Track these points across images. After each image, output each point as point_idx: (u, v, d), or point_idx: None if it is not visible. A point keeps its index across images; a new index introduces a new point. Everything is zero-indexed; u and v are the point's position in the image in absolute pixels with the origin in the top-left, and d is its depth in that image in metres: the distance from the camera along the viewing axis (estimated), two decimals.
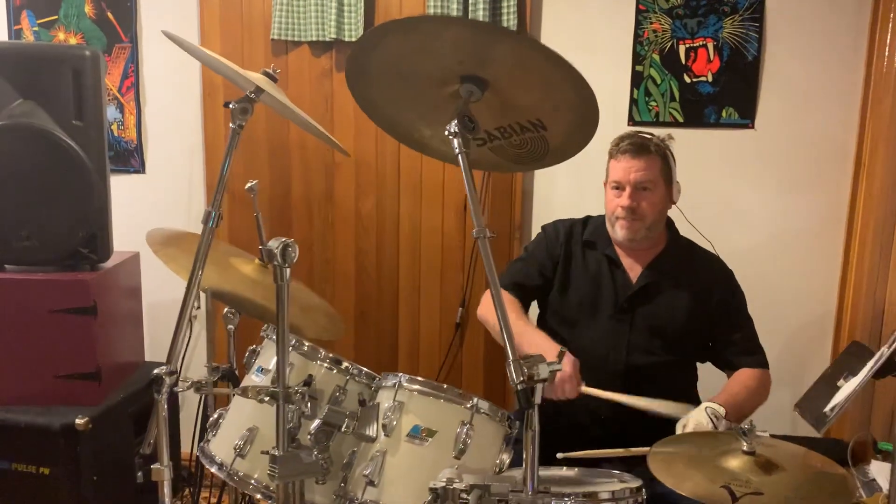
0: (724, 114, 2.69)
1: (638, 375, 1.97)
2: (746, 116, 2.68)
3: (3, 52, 2.42)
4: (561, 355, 1.26)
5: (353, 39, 2.75)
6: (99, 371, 2.45)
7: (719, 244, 2.25)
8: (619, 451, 1.78)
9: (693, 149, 2.68)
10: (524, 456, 1.22)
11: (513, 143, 1.49)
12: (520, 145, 1.49)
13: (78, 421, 2.34)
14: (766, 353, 2.07)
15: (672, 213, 2.12)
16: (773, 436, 2.29)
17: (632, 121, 2.74)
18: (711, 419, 1.75)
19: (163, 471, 1.67)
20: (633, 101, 2.73)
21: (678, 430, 1.75)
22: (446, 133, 1.30)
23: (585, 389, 1.83)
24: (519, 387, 1.17)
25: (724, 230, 2.61)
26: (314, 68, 2.86)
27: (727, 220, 2.70)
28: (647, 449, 1.69)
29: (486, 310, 2.13)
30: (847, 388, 1.55)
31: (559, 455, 1.74)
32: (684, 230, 2.18)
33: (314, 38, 2.78)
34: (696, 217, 2.23)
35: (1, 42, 2.89)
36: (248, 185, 1.97)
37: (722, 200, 2.72)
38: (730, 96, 2.68)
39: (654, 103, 2.72)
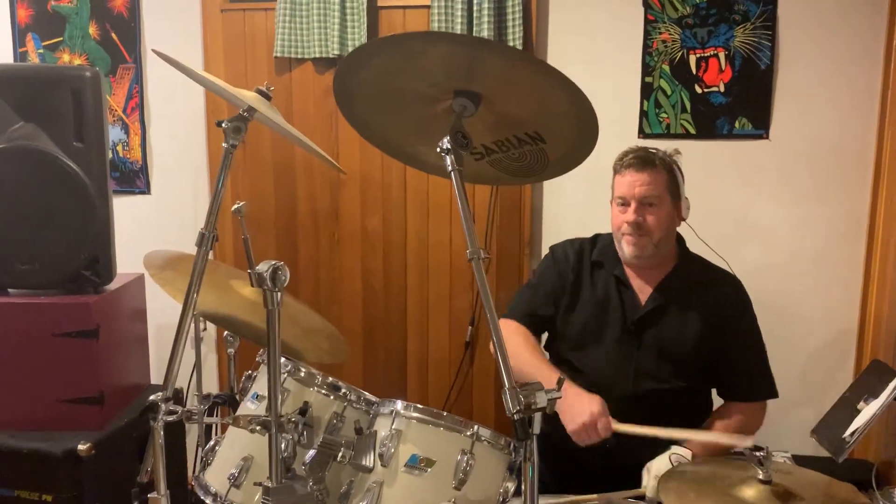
0: (737, 124, 2.63)
1: (647, 402, 1.90)
2: (760, 126, 2.61)
3: (3, 75, 2.41)
4: (560, 382, 1.20)
5: None
6: (102, 395, 2.41)
7: (733, 260, 2.18)
8: (612, 495, 1.72)
9: (705, 161, 2.62)
10: (522, 487, 1.15)
11: (511, 156, 1.44)
12: (519, 158, 1.44)
13: (80, 447, 2.30)
14: (783, 371, 1.99)
15: (683, 229, 2.06)
16: (794, 456, 2.21)
17: (642, 133, 2.68)
18: (672, 462, 1.71)
19: (160, 500, 1.62)
20: (644, 114, 2.67)
21: (644, 476, 1.71)
22: (438, 150, 1.25)
23: (617, 427, 1.76)
24: (515, 416, 1.11)
25: (739, 245, 2.55)
26: (318, 85, 2.83)
27: (742, 235, 2.63)
28: (640, 491, 1.66)
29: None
30: (868, 411, 1.47)
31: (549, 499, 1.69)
32: (696, 248, 2.11)
33: (317, 55, 2.76)
34: (710, 232, 2.16)
35: (1, 64, 2.89)
36: (235, 206, 1.91)
37: (736, 214, 2.64)
38: (743, 106, 2.61)
39: (664, 115, 2.66)
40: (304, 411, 1.47)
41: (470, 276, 2.85)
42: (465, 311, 2.88)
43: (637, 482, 1.76)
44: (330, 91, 2.82)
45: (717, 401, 2.05)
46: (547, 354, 2.06)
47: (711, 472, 1.49)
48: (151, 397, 1.58)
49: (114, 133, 2.98)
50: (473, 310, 2.86)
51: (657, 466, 1.72)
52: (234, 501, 1.55)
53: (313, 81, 2.83)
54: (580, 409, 1.76)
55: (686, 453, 1.74)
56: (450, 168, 1.26)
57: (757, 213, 2.65)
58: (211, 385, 2.98)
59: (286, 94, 2.81)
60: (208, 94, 2.89)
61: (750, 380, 1.95)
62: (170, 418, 1.47)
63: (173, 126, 2.98)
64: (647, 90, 2.67)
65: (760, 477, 1.35)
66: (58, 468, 2.31)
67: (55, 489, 2.32)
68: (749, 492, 1.34)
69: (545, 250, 2.20)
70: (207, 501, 1.59)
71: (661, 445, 1.77)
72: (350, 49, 2.72)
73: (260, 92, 1.69)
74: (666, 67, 2.64)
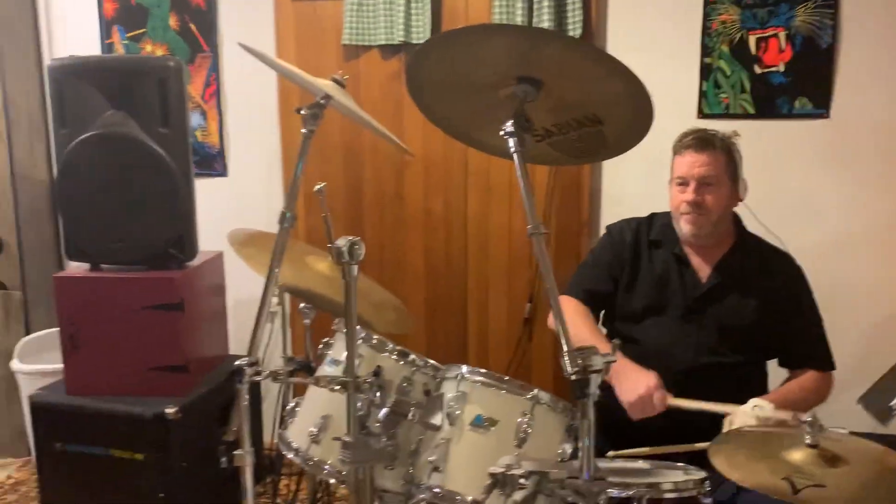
0: (797, 104, 2.64)
1: (705, 376, 1.96)
2: (821, 106, 2.62)
3: (95, 66, 2.59)
4: (616, 347, 1.29)
5: (421, 41, 2.82)
6: (187, 364, 2.60)
7: (791, 240, 2.20)
8: (671, 448, 1.76)
9: (764, 141, 2.64)
10: (580, 445, 1.25)
11: (570, 138, 1.52)
12: (578, 140, 1.52)
13: (168, 410, 2.49)
14: (839, 351, 2.02)
15: (741, 210, 2.10)
16: (852, 433, 2.24)
17: (701, 114, 2.71)
18: (757, 419, 1.72)
19: (245, 456, 1.77)
20: (703, 94, 2.71)
21: (724, 429, 1.73)
22: (501, 133, 1.35)
23: (672, 401, 1.82)
24: (573, 377, 1.21)
25: (796, 225, 2.56)
26: (384, 71, 2.95)
27: (799, 215, 2.65)
28: (702, 445, 1.68)
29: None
30: None
31: (610, 453, 1.76)
32: (753, 228, 2.15)
33: (383, 42, 2.87)
34: (767, 213, 2.19)
35: (93, 56, 3.08)
36: (317, 187, 2.06)
37: (794, 195, 2.66)
38: (803, 86, 2.62)
39: (723, 95, 2.69)
40: (377, 374, 1.60)
41: (528, 256, 2.94)
42: (523, 290, 2.97)
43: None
44: (395, 77, 2.93)
45: (773, 376, 2.09)
46: (604, 330, 2.14)
47: (761, 436, 1.56)
48: (237, 362, 1.72)
49: (193, 119, 3.15)
50: (532, 287, 2.95)
51: (740, 419, 1.73)
52: (314, 456, 1.69)
53: (379, 68, 2.95)
54: (636, 383, 1.83)
55: (767, 405, 1.75)
56: (513, 150, 1.35)
57: (815, 194, 2.66)
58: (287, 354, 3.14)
59: (354, 80, 2.93)
60: (281, 81, 3.03)
61: (812, 348, 2.00)
62: (258, 378, 1.61)
63: (248, 112, 3.14)
64: (706, 71, 2.70)
65: (808, 441, 1.41)
66: (148, 430, 2.50)
67: (145, 449, 2.52)
68: (797, 455, 1.40)
69: (603, 231, 2.26)
70: (290, 455, 1.74)
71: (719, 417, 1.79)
72: (415, 36, 2.83)
73: (335, 80, 1.81)
74: (725, 48, 2.67)
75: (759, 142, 2.60)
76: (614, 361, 1.24)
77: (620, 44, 2.74)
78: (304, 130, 1.74)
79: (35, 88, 3.29)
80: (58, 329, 2.64)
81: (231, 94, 3.15)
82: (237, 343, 3.04)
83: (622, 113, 1.42)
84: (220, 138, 3.17)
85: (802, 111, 2.64)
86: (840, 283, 2.59)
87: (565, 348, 1.24)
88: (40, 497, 2.71)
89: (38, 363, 3.04)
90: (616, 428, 1.92)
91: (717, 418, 1.76)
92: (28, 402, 2.69)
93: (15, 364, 3.06)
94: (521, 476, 1.29)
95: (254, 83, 3.08)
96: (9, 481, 3.11)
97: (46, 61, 3.27)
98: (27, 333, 3.24)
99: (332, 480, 1.69)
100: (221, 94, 3.14)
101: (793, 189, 2.66)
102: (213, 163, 3.19)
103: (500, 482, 1.29)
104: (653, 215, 2.15)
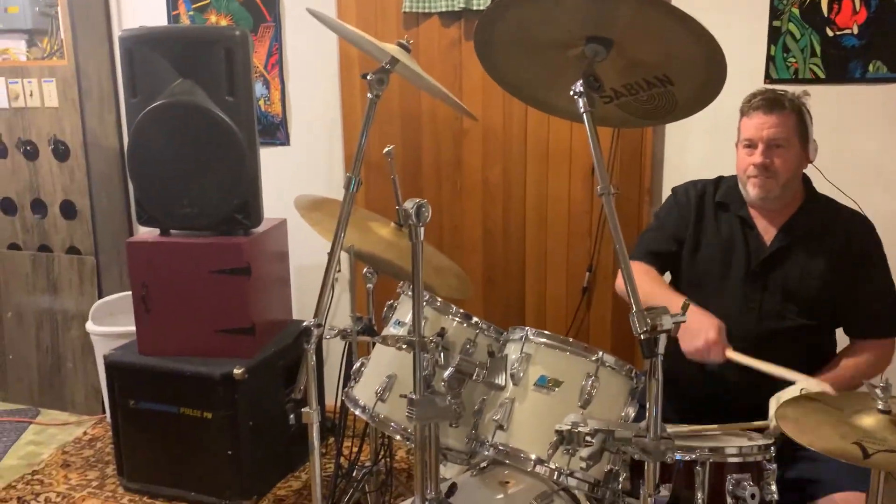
0: (871, 68, 2.54)
1: (769, 340, 1.93)
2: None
3: (164, 36, 2.66)
4: (685, 307, 1.28)
5: (481, 8, 2.81)
6: (254, 326, 2.69)
7: (862, 207, 2.15)
8: (730, 426, 1.75)
9: (835, 106, 2.56)
10: (647, 404, 1.26)
11: (640, 99, 1.51)
12: (647, 101, 1.51)
13: (236, 371, 2.59)
14: None
15: (810, 172, 2.05)
16: None
17: (768, 79, 2.64)
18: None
19: (312, 413, 1.83)
20: (770, 59, 2.63)
21: (771, 406, 1.71)
22: (571, 93, 1.34)
23: (731, 354, 1.80)
24: (642, 336, 1.22)
25: (869, 192, 2.47)
26: (443, 38, 2.94)
27: (872, 182, 2.56)
28: (759, 423, 1.67)
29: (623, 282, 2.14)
30: None
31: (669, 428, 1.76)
32: (824, 190, 2.10)
33: (444, 9, 2.87)
34: (838, 179, 2.13)
35: (162, 27, 3.16)
36: (386, 149, 2.09)
37: (867, 161, 2.58)
38: (878, 49, 2.52)
39: (792, 59, 2.61)
40: (441, 334, 1.63)
41: (587, 224, 2.93)
42: (582, 259, 2.96)
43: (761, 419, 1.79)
44: (455, 44, 2.93)
45: (841, 341, 2.06)
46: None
47: (831, 402, 1.54)
48: (305, 323, 1.77)
49: (256, 89, 3.20)
50: (591, 257, 2.94)
51: (788, 395, 1.70)
52: (380, 413, 1.74)
53: (439, 35, 2.94)
54: (698, 331, 1.80)
55: (816, 386, 1.71)
56: (582, 110, 1.35)
57: (889, 160, 2.57)
58: (348, 318, 3.22)
59: (413, 47, 2.91)
60: (341, 50, 3.06)
61: (878, 317, 1.95)
62: (328, 336, 1.65)
63: (310, 81, 3.17)
64: (774, 34, 2.62)
65: (880, 407, 1.39)
66: (216, 389, 2.61)
67: (214, 408, 2.63)
68: (868, 420, 1.38)
69: (665, 198, 2.24)
70: (357, 412, 1.79)
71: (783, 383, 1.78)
72: (475, 2, 2.81)
73: (400, 45, 1.82)
74: (795, 10, 2.58)
75: (830, 107, 2.52)
76: (683, 321, 1.24)
77: (686, 5, 2.67)
78: (369, 95, 1.76)
79: (105, 59, 3.39)
80: (129, 292, 2.76)
81: (293, 64, 3.19)
82: (299, 309, 3.12)
83: (695, 74, 1.40)
84: (283, 107, 3.22)
85: (877, 75, 2.54)
86: None
87: (634, 308, 1.25)
88: (115, 452, 2.85)
89: (110, 325, 3.17)
90: (680, 397, 1.92)
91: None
92: (103, 362, 2.82)
93: (89, 326, 3.20)
94: (587, 434, 1.31)
95: (315, 52, 3.11)
96: (85, 437, 3.27)
97: (116, 32, 3.36)
98: (100, 297, 3.38)
99: (398, 437, 1.74)
100: (284, 63, 3.18)
101: (865, 155, 2.58)
102: (276, 132, 3.25)
103: (567, 439, 1.31)
104: (720, 178, 2.12)
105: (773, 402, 1.71)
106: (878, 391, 1.40)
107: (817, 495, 1.70)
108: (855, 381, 1.84)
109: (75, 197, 3.35)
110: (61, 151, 3.32)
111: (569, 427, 1.32)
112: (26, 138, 3.36)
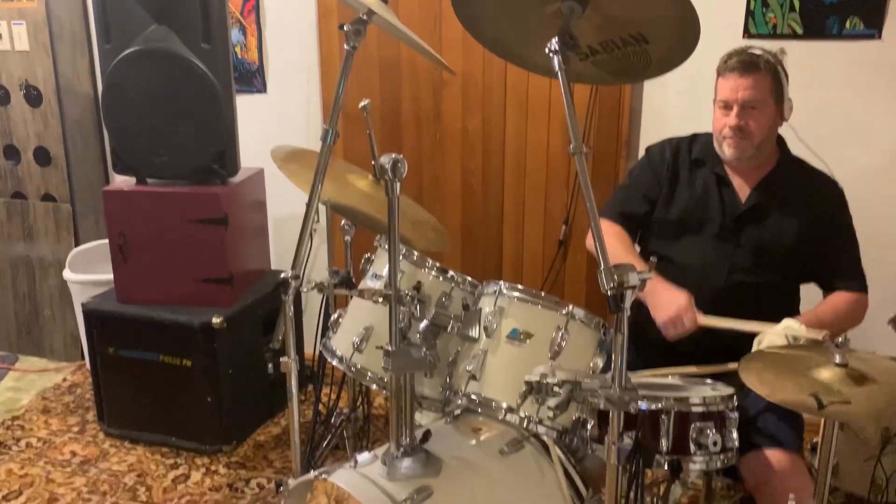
0: (847, 24, 2.56)
1: (738, 295, 1.99)
2: (872, 26, 2.54)
3: None
4: (651, 265, 1.32)
5: None
6: (232, 276, 2.70)
7: (836, 163, 2.19)
8: (702, 369, 1.82)
9: (812, 62, 2.58)
10: (613, 357, 1.31)
11: (615, 56, 1.52)
12: (622, 59, 1.52)
13: (215, 319, 2.61)
14: (879, 274, 2.04)
15: (784, 130, 2.08)
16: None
17: (747, 33, 2.65)
18: (788, 339, 1.74)
19: (290, 363, 1.87)
20: (749, 13, 2.63)
21: (754, 348, 1.76)
22: (546, 51, 1.35)
23: (703, 320, 1.85)
24: (609, 292, 1.25)
25: (843, 148, 2.53)
26: None
27: (846, 138, 2.60)
28: (732, 365, 1.72)
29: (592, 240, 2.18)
30: None
31: (641, 373, 1.82)
32: (796, 148, 2.14)
33: None
34: (813, 135, 2.17)
35: None
36: (362, 104, 2.08)
37: (842, 117, 2.61)
38: (855, 5, 2.53)
39: (771, 14, 2.62)
40: (417, 288, 1.65)
41: (565, 176, 2.95)
42: (559, 211, 2.99)
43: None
44: None
45: (805, 299, 2.12)
46: (638, 249, 2.17)
47: (791, 356, 1.60)
48: (283, 274, 1.80)
49: (233, 35, 3.15)
50: (568, 209, 2.97)
51: (769, 339, 1.75)
52: (357, 363, 1.78)
53: None
54: (668, 302, 1.88)
55: (799, 325, 1.76)
56: (557, 68, 1.36)
57: (864, 117, 2.60)
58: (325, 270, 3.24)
59: None
60: None
61: (846, 271, 2.01)
62: (305, 289, 1.68)
63: (287, 29, 3.12)
64: None
65: (837, 360, 1.45)
66: (195, 338, 2.64)
67: (193, 355, 2.67)
68: (825, 373, 1.44)
69: (643, 152, 2.26)
70: (334, 363, 1.83)
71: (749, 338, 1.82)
72: None
73: None
74: None
75: (807, 63, 2.54)
76: (649, 278, 1.28)
77: None
78: (346, 47, 1.75)
79: (77, 2, 3.31)
80: (106, 241, 2.75)
81: (270, 11, 3.13)
82: (277, 258, 3.14)
83: (668, 33, 1.41)
84: (260, 55, 3.18)
85: (853, 32, 2.56)
86: (885, 204, 2.56)
87: (602, 266, 1.28)
88: (95, 398, 2.89)
89: (88, 273, 3.17)
90: (647, 346, 1.98)
91: (749, 338, 1.79)
92: (81, 310, 2.83)
93: (67, 274, 3.19)
94: (554, 384, 1.36)
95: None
96: (65, 383, 3.30)
97: None
98: (76, 244, 3.37)
99: (374, 386, 1.78)
100: (261, 9, 3.13)
101: (840, 112, 2.61)
102: (252, 79, 3.21)
103: (535, 389, 1.36)
104: (695, 135, 2.14)
105: (756, 346, 1.75)
106: (835, 345, 1.46)
107: (749, 437, 1.77)
108: (834, 327, 1.85)
109: (49, 143, 3.31)
110: (34, 97, 3.26)
111: (537, 378, 1.36)
112: None
